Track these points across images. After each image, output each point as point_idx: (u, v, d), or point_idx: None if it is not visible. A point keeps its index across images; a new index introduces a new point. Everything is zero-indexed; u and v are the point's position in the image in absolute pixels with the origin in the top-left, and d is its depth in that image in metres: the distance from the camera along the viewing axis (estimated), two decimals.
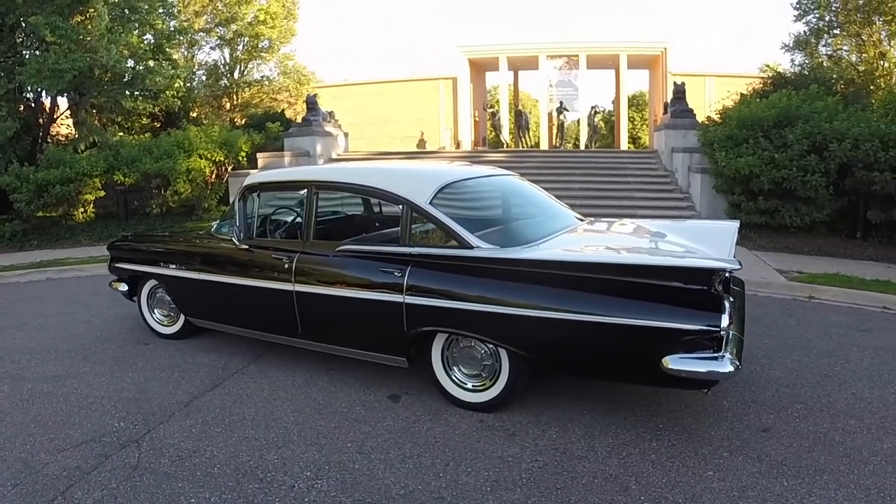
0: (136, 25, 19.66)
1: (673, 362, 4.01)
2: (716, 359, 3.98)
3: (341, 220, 7.12)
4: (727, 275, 5.04)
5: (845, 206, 13.00)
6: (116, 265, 7.63)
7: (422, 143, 34.93)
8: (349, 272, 5.41)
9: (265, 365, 6.27)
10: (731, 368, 3.94)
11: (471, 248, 4.87)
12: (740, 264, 4.08)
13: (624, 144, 35.31)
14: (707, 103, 27.39)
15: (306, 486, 4.03)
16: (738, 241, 11.66)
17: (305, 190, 5.95)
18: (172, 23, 22.15)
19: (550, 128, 35.27)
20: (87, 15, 18.07)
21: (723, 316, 3.99)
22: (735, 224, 5.93)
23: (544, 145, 35.15)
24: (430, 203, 5.12)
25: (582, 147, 32.89)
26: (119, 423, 5.03)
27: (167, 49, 21.35)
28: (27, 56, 17.77)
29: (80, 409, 5.37)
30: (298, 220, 6.20)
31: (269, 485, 4.05)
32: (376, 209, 7.17)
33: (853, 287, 9.04)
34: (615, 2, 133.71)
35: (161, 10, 20.70)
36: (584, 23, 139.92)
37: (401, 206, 5.30)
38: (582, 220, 6.37)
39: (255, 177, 6.54)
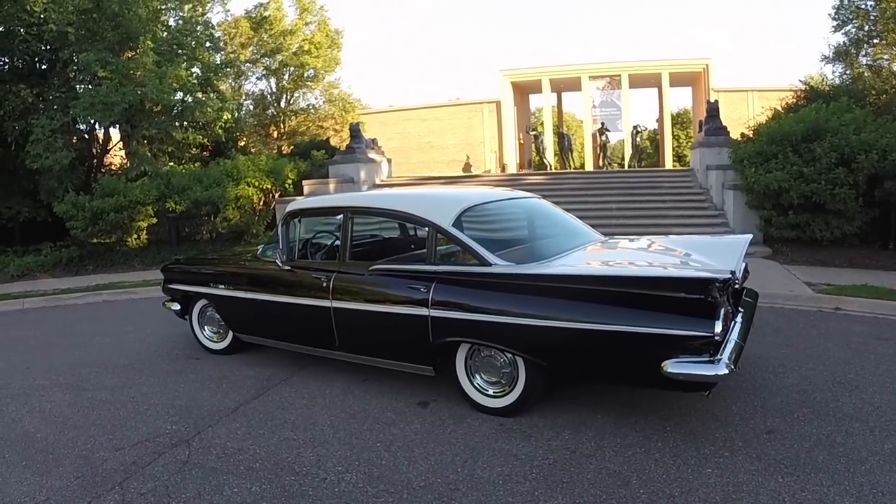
0: (184, 60, 20.32)
1: (672, 366, 4.35)
2: (712, 362, 4.30)
3: (375, 243, 7.54)
4: (736, 285, 5.38)
5: (877, 218, 12.93)
6: (169, 286, 8.15)
7: (467, 166, 35.19)
8: (380, 289, 5.86)
9: (306, 376, 6.70)
10: (725, 371, 4.23)
11: (489, 265, 5.27)
12: (732, 274, 4.39)
13: (669, 163, 34.99)
14: (750, 118, 27.39)
15: (337, 478, 4.46)
16: (769, 255, 11.99)
17: (341, 215, 6.42)
18: (219, 56, 22.80)
19: (594, 149, 35.26)
20: (137, 51, 18.75)
21: (717, 322, 4.31)
22: (747, 238, 6.15)
23: (589, 166, 35.05)
24: (453, 225, 5.56)
25: (626, 167, 32.86)
26: (171, 426, 5.53)
27: (215, 82, 22.03)
28: (80, 90, 18.50)
29: (136, 414, 5.89)
30: (336, 242, 6.63)
31: (303, 477, 4.49)
32: (407, 232, 7.57)
33: (880, 297, 9.02)
34: (654, 20, 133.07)
35: (208, 45, 21.36)
36: (623, 39, 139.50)
37: (427, 228, 5.76)
38: (600, 238, 6.72)
39: (296, 204, 7.01)
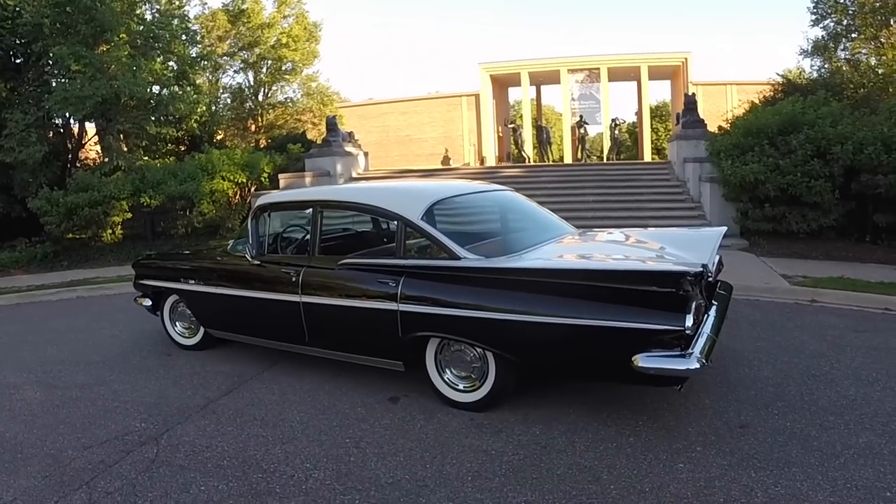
0: (159, 53, 20.19)
1: (642, 360, 4.30)
2: (683, 356, 4.25)
3: (345, 237, 7.48)
4: (710, 278, 5.35)
5: (853, 211, 12.97)
6: (141, 282, 8.07)
7: (446, 159, 35.09)
8: (350, 284, 5.80)
9: (278, 372, 6.65)
10: (697, 365, 4.19)
11: (459, 258, 5.21)
12: (704, 267, 4.35)
13: (648, 156, 35.02)
14: (729, 112, 27.49)
15: (305, 475, 4.42)
16: (746, 248, 12.01)
17: (311, 209, 6.34)
18: (195, 49, 22.65)
19: (573, 142, 35.26)
20: (111, 44, 18.61)
21: (688, 316, 4.27)
22: (721, 230, 6.14)
23: (568, 159, 35.08)
24: (422, 218, 5.50)
25: (605, 160, 32.90)
26: (140, 424, 5.48)
27: (190, 75, 21.90)
28: (54, 84, 18.37)
29: (105, 412, 5.84)
30: (306, 237, 6.54)
31: (271, 475, 4.45)
32: (377, 226, 7.50)
33: (856, 290, 9.05)
34: (634, 13, 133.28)
35: (184, 38, 21.21)
36: (602, 33, 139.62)
37: (395, 222, 5.71)
38: (573, 231, 6.69)
39: (265, 198, 6.95)
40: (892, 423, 4.81)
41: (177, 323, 7.83)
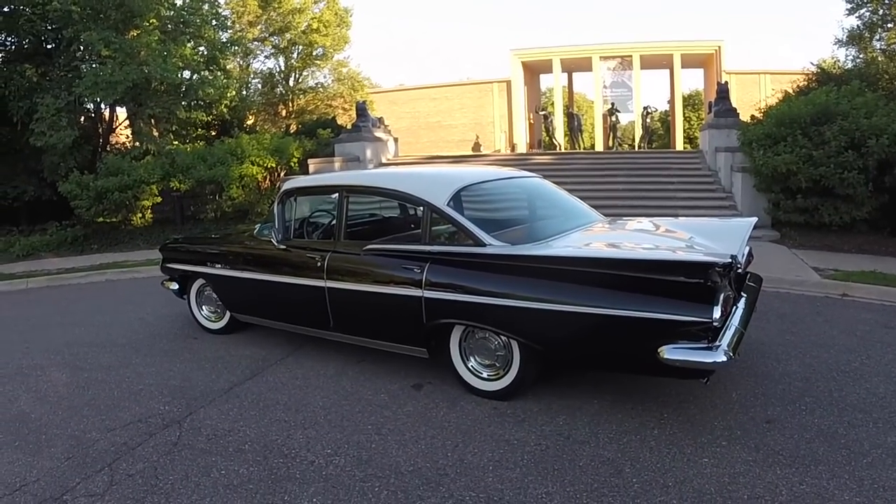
0: (189, 38, 20.29)
1: (668, 352, 4.24)
2: (710, 349, 4.18)
3: (371, 222, 7.44)
4: (739, 270, 5.26)
5: (886, 204, 12.74)
6: (168, 265, 8.10)
7: (477, 146, 35.07)
8: (374, 269, 5.77)
9: (302, 356, 6.65)
10: (724, 358, 4.11)
11: (484, 245, 5.16)
12: (733, 258, 4.25)
13: (679, 145, 34.74)
14: (762, 101, 27.12)
15: (325, 461, 4.41)
16: (777, 239, 11.87)
17: (337, 194, 6.31)
18: (225, 34, 22.71)
19: (604, 129, 35.02)
20: (141, 30, 18.73)
21: (716, 308, 4.18)
22: (751, 221, 5.99)
23: (599, 147, 34.90)
24: (447, 204, 5.45)
25: (636, 148, 32.65)
26: (164, 407, 5.52)
27: (220, 60, 21.99)
28: (84, 69, 18.48)
29: (130, 394, 5.87)
30: (332, 222, 6.52)
31: (292, 460, 4.45)
32: (403, 211, 7.48)
33: (888, 284, 8.86)
34: (668, 3, 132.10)
35: (214, 23, 21.29)
36: (636, 22, 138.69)
37: (421, 208, 5.66)
38: (600, 219, 6.61)
39: (291, 182, 6.93)
40: None
41: (203, 307, 7.86)
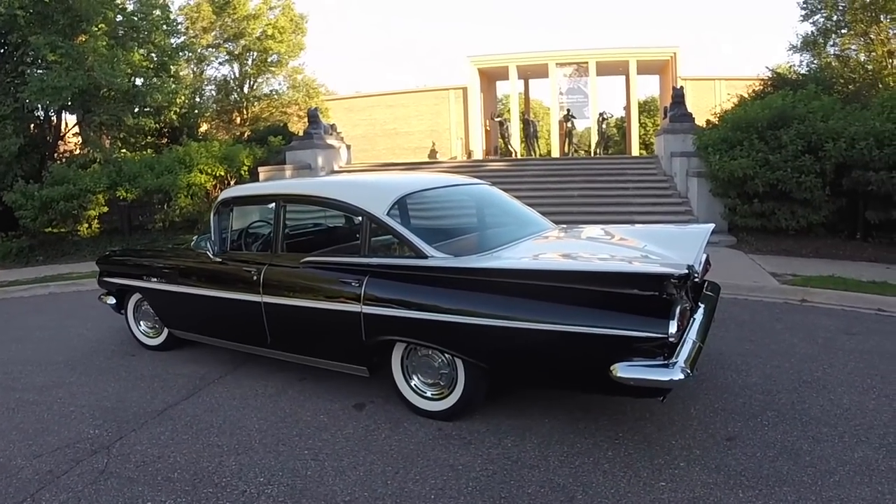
0: (139, 44, 19.94)
1: (622, 370, 3.97)
2: (666, 366, 3.92)
3: (312, 233, 7.17)
4: (696, 279, 5.03)
5: (844, 208, 12.76)
6: (105, 279, 7.77)
7: (433, 153, 34.97)
8: (312, 283, 5.48)
9: (241, 375, 6.35)
10: (681, 376, 3.85)
11: (425, 257, 4.90)
12: (690, 268, 3.99)
13: (635, 150, 34.94)
14: (717, 106, 27.34)
15: (257, 491, 4.12)
16: (734, 244, 11.79)
17: (274, 203, 6.01)
18: (176, 40, 22.36)
19: (560, 136, 35.12)
20: (90, 34, 18.34)
21: (671, 322, 3.92)
22: (708, 228, 5.78)
23: (555, 153, 34.97)
24: (387, 213, 5.18)
25: (592, 154, 32.72)
26: (94, 431, 5.20)
27: (171, 66, 21.64)
28: (29, 74, 18.08)
29: (60, 417, 5.55)
30: (270, 233, 6.24)
31: (222, 490, 4.16)
32: (345, 222, 7.22)
33: (848, 289, 8.81)
34: (623, 9, 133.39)
35: (165, 28, 20.93)
36: (593, 30, 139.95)
37: (360, 217, 5.40)
38: (552, 228, 6.36)
39: (227, 192, 6.65)
40: (889, 435, 4.52)
41: (141, 322, 7.53)
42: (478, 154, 34.79)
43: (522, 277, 4.56)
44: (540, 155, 34.77)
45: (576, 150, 34.75)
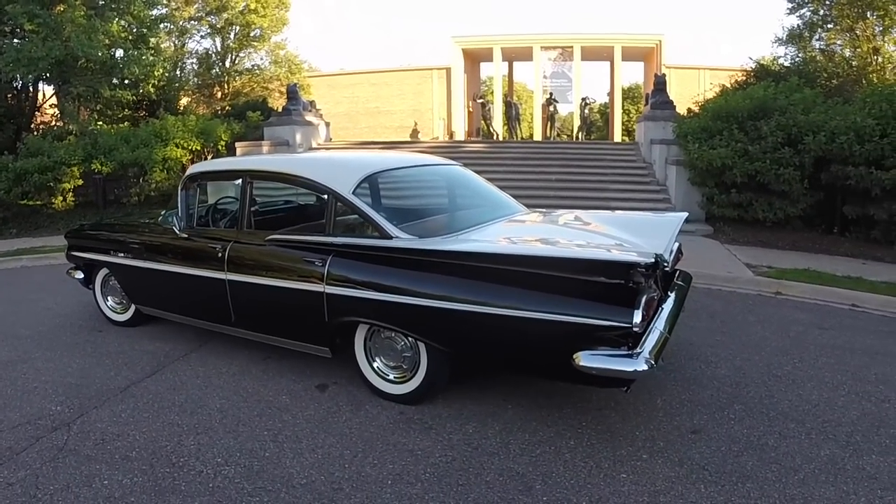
0: (117, 15, 19.65)
1: (585, 359, 3.91)
2: (630, 356, 3.86)
3: (279, 211, 7.09)
4: (666, 268, 4.97)
5: (822, 201, 12.76)
6: (73, 253, 7.67)
7: (415, 133, 34.92)
8: (276, 261, 5.41)
9: (206, 353, 6.28)
10: (645, 367, 3.79)
11: (391, 238, 4.83)
12: (658, 257, 3.95)
13: (618, 137, 34.93)
14: (700, 95, 27.32)
15: (214, 471, 4.07)
16: (710, 234, 11.77)
17: (240, 179, 5.92)
18: (155, 10, 22.09)
19: (543, 119, 35.03)
20: (68, 4, 18.09)
21: (636, 312, 3.86)
22: (681, 216, 5.70)
23: (538, 137, 34.90)
24: (353, 192, 5.10)
25: (574, 139, 32.66)
26: (56, 407, 5.14)
27: (150, 38, 21.38)
28: (5, 45, 17.86)
29: (23, 393, 5.47)
30: (236, 209, 6.16)
31: (179, 469, 4.11)
32: (311, 199, 7.11)
33: (823, 283, 8.79)
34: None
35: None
36: (579, 16, 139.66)
37: (325, 196, 5.32)
38: (522, 211, 6.30)
39: (195, 167, 6.56)
40: (857, 433, 4.49)
41: (108, 297, 7.43)
42: (460, 135, 34.69)
43: (486, 261, 4.47)
44: (521, 138, 34.61)
45: (558, 135, 34.66)
